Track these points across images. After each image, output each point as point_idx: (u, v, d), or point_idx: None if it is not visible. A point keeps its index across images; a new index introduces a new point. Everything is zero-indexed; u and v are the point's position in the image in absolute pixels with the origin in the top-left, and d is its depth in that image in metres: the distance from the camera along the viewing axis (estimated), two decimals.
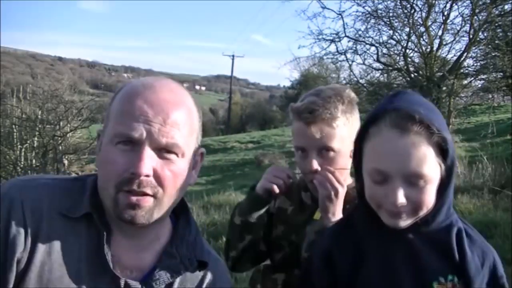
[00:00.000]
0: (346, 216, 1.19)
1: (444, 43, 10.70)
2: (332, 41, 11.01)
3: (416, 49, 10.88)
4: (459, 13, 10.38)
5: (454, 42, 10.67)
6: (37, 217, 0.86)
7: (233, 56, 46.79)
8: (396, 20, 10.75)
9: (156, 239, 0.97)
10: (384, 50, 11.29)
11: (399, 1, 10.56)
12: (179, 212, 1.02)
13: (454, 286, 1.00)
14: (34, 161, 12.55)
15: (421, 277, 1.00)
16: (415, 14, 10.48)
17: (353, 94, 1.38)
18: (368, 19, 10.85)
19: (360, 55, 11.23)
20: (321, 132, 1.29)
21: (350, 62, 11.37)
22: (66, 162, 12.85)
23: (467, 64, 10.83)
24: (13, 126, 12.62)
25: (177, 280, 0.94)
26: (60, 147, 12.86)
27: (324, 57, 11.75)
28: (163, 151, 0.88)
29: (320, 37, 10.95)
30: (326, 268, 1.06)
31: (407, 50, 10.86)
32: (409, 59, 11.09)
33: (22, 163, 12.43)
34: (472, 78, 11.23)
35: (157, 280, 0.91)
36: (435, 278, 1.00)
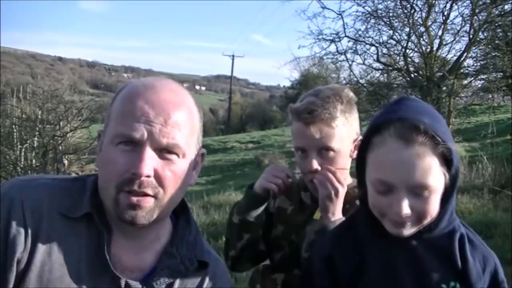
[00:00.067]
0: (348, 219, 1.18)
1: (444, 43, 10.71)
2: (332, 41, 11.02)
3: (416, 49, 10.88)
4: (459, 13, 10.42)
5: (454, 42, 10.70)
6: (37, 217, 0.86)
7: (233, 56, 46.86)
8: (396, 20, 10.76)
9: (156, 239, 0.97)
10: (384, 50, 11.31)
11: (399, 1, 10.57)
12: (179, 212, 1.02)
13: None
14: (34, 161, 12.56)
15: (423, 283, 1.00)
16: (415, 14, 10.50)
17: (351, 94, 1.37)
18: (368, 19, 10.87)
19: (360, 55, 11.26)
20: (321, 132, 1.29)
21: (350, 62, 11.40)
22: (66, 162, 12.87)
23: (467, 64, 10.86)
24: (13, 126, 12.64)
25: (178, 280, 0.94)
26: (60, 147, 12.87)
27: (324, 57, 11.77)
28: (164, 151, 0.88)
29: (320, 37, 10.98)
30: (327, 270, 1.06)
31: (407, 50, 10.87)
32: (409, 59, 11.10)
33: (22, 163, 12.44)
34: (472, 78, 11.24)
35: (158, 280, 0.91)
36: (437, 285, 0.99)
